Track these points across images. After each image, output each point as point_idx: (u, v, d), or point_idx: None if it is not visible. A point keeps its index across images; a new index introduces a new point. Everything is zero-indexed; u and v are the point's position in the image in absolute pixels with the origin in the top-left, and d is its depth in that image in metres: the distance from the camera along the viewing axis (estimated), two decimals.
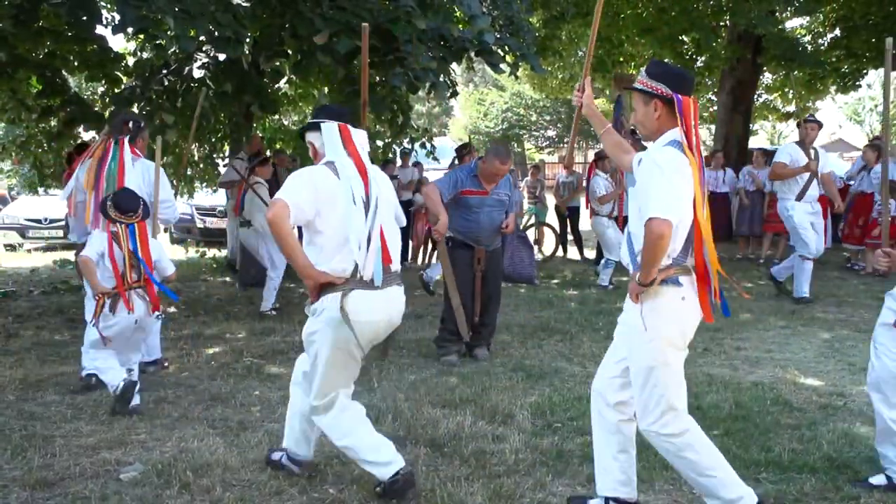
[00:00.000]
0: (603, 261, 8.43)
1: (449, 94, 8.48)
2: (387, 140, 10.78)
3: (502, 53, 7.73)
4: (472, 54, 7.36)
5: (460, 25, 7.57)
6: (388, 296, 2.99)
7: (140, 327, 4.15)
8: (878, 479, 3.08)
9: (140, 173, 4.72)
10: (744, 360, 5.21)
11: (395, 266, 3.04)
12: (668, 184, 2.42)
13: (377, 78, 8.02)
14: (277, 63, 7.91)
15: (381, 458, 2.96)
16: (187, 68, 6.92)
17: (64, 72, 7.08)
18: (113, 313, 4.00)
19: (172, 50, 6.17)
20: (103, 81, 7.41)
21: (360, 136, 3.06)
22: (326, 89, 10.20)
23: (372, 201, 2.94)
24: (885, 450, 3.10)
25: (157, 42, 5.95)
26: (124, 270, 4.00)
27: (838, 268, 9.66)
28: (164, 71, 6.36)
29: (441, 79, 7.35)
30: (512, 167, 12.31)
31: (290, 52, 7.17)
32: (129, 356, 4.19)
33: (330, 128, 3.02)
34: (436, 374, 4.82)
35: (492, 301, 5.30)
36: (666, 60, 6.91)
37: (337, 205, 2.88)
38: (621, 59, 14.17)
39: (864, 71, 13.00)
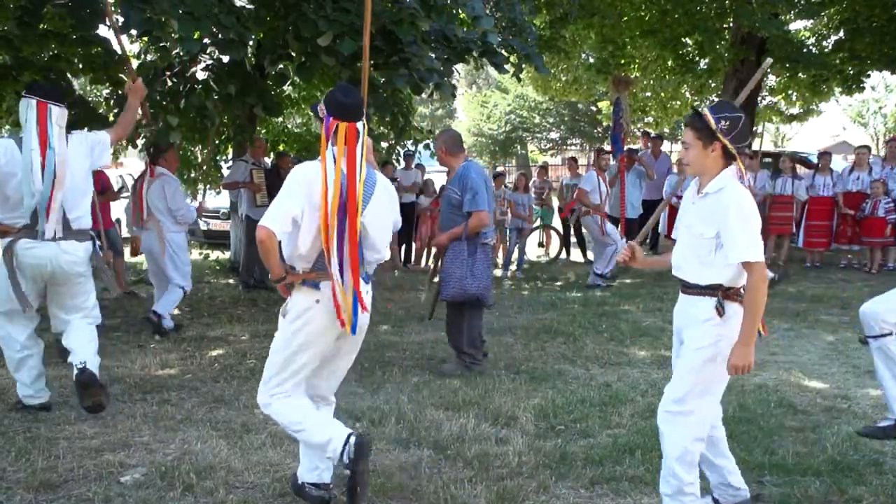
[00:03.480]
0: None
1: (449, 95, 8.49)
2: (390, 142, 10.79)
3: (506, 54, 7.72)
4: (476, 55, 7.35)
5: (464, 27, 7.56)
6: (58, 247, 3.74)
7: None
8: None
9: (159, 186, 6.10)
10: None
11: (76, 225, 3.80)
12: (280, 195, 2.71)
13: (381, 79, 8.03)
14: (281, 65, 7.90)
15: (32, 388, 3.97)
16: (191, 70, 6.91)
17: (68, 74, 7.07)
18: None
19: (176, 52, 6.16)
20: (108, 84, 7.42)
21: (57, 114, 3.73)
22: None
23: (47, 171, 3.64)
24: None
25: (162, 44, 5.94)
26: None
27: (842, 270, 9.62)
28: (168, 73, 6.35)
29: (445, 80, 7.35)
30: (523, 171, 12.23)
31: (293, 54, 7.17)
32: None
33: (28, 103, 3.69)
34: (439, 377, 4.82)
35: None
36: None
37: (15, 174, 3.65)
38: (623, 62, 14.14)
39: (868, 73, 12.96)
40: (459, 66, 8.37)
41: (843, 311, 6.92)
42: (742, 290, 2.67)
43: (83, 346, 3.86)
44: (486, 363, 5.11)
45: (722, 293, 2.67)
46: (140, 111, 4.30)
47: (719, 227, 2.61)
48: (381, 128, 10.56)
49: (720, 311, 2.66)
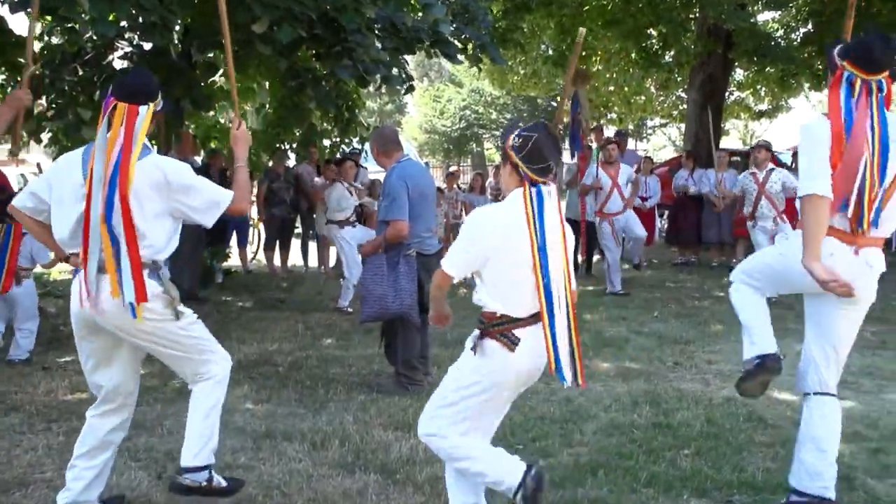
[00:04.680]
0: None
1: (405, 90, 8.48)
2: (334, 139, 10.70)
3: (459, 44, 7.74)
4: (427, 45, 7.36)
5: (413, 14, 7.57)
6: None
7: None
8: None
9: None
10: (716, 375, 5.30)
11: None
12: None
13: (323, 71, 7.96)
14: (211, 54, 7.76)
15: None
16: (107, 58, 6.69)
17: None
18: None
19: (88, 36, 5.93)
20: (3, 69, 7.08)
21: None
22: (267, 83, 10.09)
23: None
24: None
25: (70, 26, 5.70)
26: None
27: None
28: (79, 60, 6.13)
29: (394, 72, 7.34)
30: (479, 171, 12.17)
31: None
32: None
33: None
34: (387, 394, 4.78)
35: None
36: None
37: None
38: (584, 54, 14.35)
39: None
40: (409, 57, 8.36)
41: None
42: (504, 321, 2.76)
43: None
44: (430, 382, 5.04)
45: (483, 328, 2.82)
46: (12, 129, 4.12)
47: None
48: (325, 123, 10.48)
49: (474, 350, 2.79)
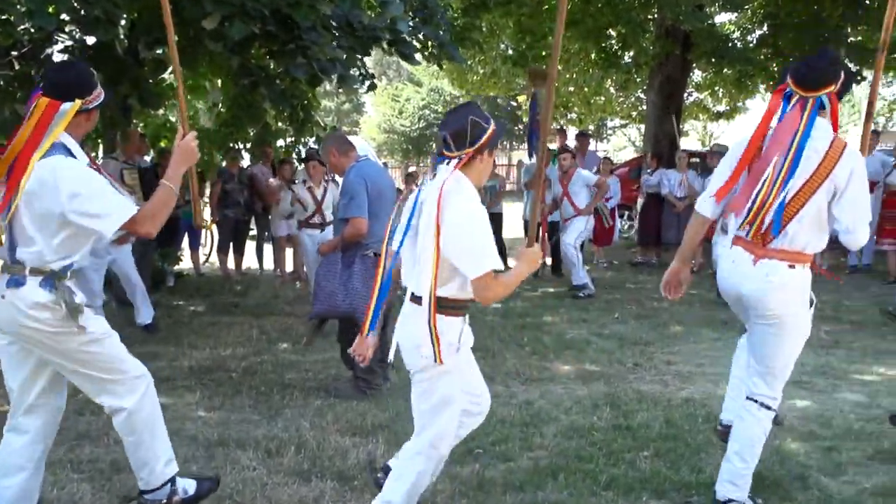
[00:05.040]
0: None
1: (366, 88, 8.43)
2: (289, 139, 10.61)
3: (417, 44, 7.74)
4: (385, 45, 7.33)
5: (370, 12, 7.54)
6: None
7: None
8: None
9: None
10: (675, 376, 5.39)
11: None
12: None
13: (277, 69, 7.89)
14: (159, 50, 7.61)
15: None
16: (45, 51, 6.47)
17: None
18: None
19: (24, 27, 5.73)
20: None
21: None
22: (219, 81, 9.95)
23: None
24: None
25: (3, 17, 5.51)
26: None
27: None
28: (15, 53, 5.93)
29: (351, 71, 7.29)
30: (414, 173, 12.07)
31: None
32: None
33: None
34: (345, 399, 4.75)
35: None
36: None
37: None
38: (543, 54, 14.48)
39: None
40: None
41: None
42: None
43: None
44: (388, 385, 5.01)
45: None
46: None
47: None
48: (279, 123, 10.38)
49: None
